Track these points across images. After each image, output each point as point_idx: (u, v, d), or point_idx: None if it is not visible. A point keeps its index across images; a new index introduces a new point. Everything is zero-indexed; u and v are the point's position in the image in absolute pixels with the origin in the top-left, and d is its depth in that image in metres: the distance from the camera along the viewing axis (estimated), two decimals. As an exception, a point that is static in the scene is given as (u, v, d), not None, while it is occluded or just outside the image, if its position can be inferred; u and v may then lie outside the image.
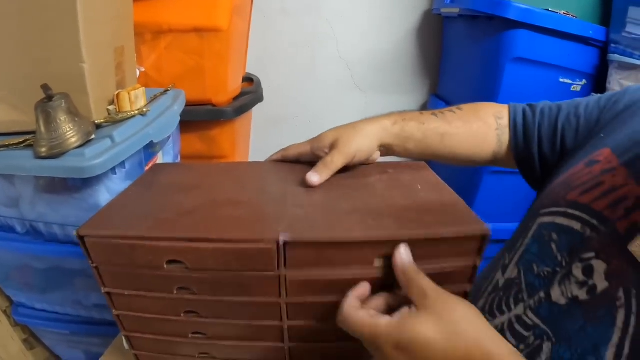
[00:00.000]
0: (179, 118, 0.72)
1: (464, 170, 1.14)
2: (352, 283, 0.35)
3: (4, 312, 0.79)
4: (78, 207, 0.56)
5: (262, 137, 1.48)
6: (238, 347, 0.40)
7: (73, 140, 0.50)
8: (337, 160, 0.45)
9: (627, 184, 0.34)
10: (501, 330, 0.38)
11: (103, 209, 0.39)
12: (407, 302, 0.32)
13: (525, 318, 0.37)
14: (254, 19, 1.27)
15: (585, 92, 1.05)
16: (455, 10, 1.14)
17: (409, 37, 1.40)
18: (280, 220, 0.35)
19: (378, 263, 0.34)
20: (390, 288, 0.35)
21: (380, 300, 0.34)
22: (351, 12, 1.36)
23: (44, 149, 0.50)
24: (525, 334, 0.36)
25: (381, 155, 0.51)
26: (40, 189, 0.57)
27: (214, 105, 0.95)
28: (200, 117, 0.95)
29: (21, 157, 0.51)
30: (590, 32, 0.97)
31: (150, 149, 0.65)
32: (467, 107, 0.53)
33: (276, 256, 0.33)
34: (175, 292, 0.36)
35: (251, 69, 1.33)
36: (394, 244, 0.33)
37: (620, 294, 0.30)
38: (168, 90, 0.75)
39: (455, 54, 1.28)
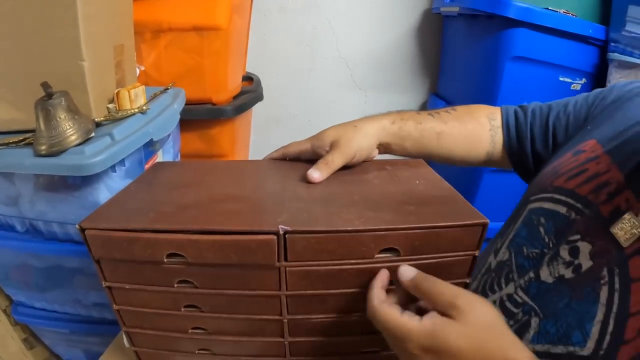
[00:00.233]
0: (179, 116, 0.72)
1: (464, 168, 1.13)
2: (352, 275, 0.35)
3: (4, 311, 0.79)
4: (78, 205, 0.56)
5: (262, 135, 1.48)
6: (238, 342, 0.40)
7: (73, 138, 0.50)
8: (337, 160, 0.46)
9: (610, 170, 0.36)
10: None
11: (105, 204, 0.39)
12: None
13: (515, 296, 0.39)
14: (254, 17, 1.27)
15: (585, 90, 1.03)
16: (455, 9, 1.14)
17: (409, 36, 1.40)
18: (280, 212, 0.36)
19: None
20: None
21: (401, 291, 0.34)
22: (351, 11, 1.36)
23: (43, 147, 0.50)
24: (515, 310, 0.38)
25: (379, 153, 0.52)
26: (40, 187, 0.56)
27: (213, 104, 0.95)
28: (200, 116, 0.94)
29: (21, 155, 0.51)
30: (590, 30, 0.97)
31: (150, 147, 0.65)
32: (461, 108, 0.55)
33: (276, 248, 0.33)
34: (175, 286, 0.36)
35: (251, 67, 1.34)
36: (394, 234, 0.34)
37: (604, 272, 0.32)
38: (168, 89, 0.75)
39: (455, 53, 1.28)
